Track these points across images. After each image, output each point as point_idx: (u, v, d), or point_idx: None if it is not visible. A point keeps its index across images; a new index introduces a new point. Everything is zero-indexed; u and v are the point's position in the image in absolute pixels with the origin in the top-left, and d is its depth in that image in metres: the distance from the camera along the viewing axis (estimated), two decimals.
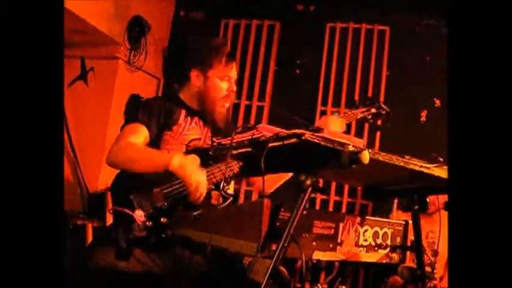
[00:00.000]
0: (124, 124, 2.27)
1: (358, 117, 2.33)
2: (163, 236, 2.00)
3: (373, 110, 2.34)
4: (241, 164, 2.21)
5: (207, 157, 2.21)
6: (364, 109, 2.31)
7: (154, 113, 2.26)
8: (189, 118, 2.35)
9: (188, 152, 2.24)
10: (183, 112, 2.34)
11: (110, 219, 3.28)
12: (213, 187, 2.16)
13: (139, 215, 1.98)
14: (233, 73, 2.38)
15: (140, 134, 2.21)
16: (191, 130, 2.34)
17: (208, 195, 2.15)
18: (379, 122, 2.44)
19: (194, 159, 2.08)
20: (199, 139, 2.35)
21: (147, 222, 1.98)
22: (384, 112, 2.34)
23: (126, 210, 2.00)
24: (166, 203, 2.04)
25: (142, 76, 4.85)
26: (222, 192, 2.19)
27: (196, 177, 1.98)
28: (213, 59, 2.32)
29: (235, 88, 2.39)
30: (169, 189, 2.07)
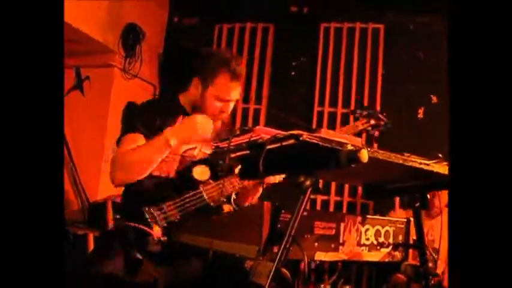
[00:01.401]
0: (122, 134, 2.21)
1: (359, 129, 2.36)
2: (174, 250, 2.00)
3: (373, 122, 2.37)
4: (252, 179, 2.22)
5: (215, 169, 2.20)
6: (364, 121, 2.34)
7: (151, 121, 2.20)
8: None
9: (195, 163, 2.21)
10: (180, 119, 2.27)
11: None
12: (225, 200, 2.16)
13: (156, 230, 1.98)
14: (234, 94, 2.28)
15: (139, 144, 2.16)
16: None
17: (220, 208, 2.15)
18: (376, 133, 2.48)
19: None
20: (195, 148, 2.28)
21: (162, 238, 1.98)
22: (382, 123, 2.37)
23: (144, 228, 1.99)
24: (179, 217, 2.04)
25: (138, 83, 4.85)
26: (232, 204, 2.19)
27: (195, 125, 2.11)
28: (219, 74, 2.23)
29: (230, 110, 2.31)
30: (182, 203, 2.07)
